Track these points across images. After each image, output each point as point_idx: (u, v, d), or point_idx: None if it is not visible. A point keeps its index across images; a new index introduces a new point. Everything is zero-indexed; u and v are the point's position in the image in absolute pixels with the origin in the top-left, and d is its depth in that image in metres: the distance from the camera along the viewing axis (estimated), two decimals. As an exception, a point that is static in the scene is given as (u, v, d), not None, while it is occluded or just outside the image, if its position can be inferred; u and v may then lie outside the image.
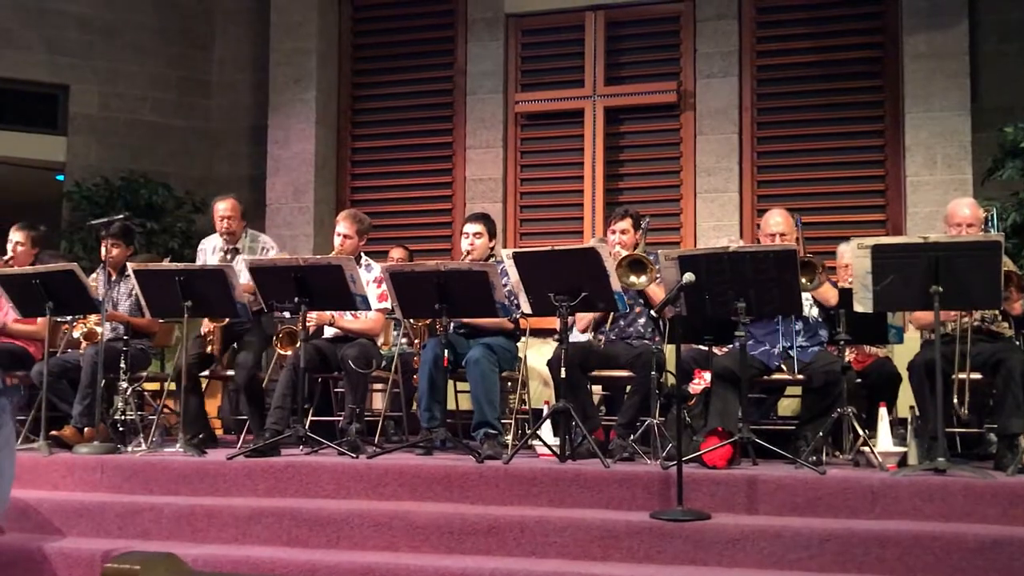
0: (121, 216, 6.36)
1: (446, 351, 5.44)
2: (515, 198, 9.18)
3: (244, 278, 5.89)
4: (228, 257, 6.46)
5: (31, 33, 9.74)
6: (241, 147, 10.10)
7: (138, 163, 9.78)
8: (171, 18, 10.26)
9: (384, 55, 9.69)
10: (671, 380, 5.45)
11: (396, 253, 7.66)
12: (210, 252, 6.62)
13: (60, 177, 9.98)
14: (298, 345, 5.64)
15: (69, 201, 9.54)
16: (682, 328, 5.33)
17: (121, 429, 5.81)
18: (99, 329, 6.20)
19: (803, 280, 5.05)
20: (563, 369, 5.20)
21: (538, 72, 9.27)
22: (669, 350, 5.47)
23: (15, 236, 6.69)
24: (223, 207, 6.49)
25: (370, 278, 6.07)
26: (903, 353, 5.78)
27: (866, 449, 5.03)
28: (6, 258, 6.64)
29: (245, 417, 6.32)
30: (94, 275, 6.45)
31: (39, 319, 6.21)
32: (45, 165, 10.01)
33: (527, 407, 6.33)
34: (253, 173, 9.82)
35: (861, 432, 5.07)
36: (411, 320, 6.48)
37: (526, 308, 5.38)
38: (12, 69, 9.69)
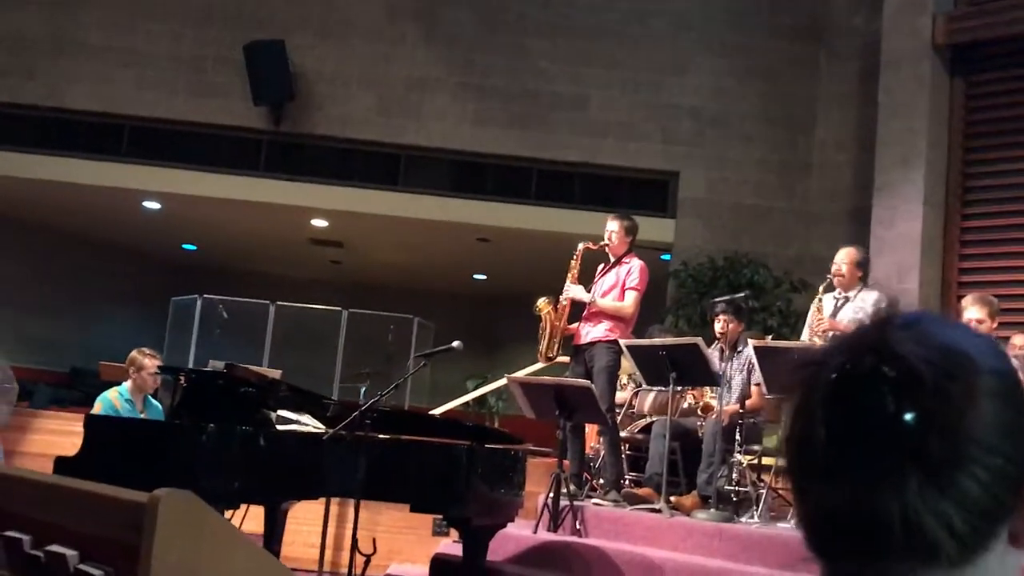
0: (742, 295, 6.65)
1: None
2: None
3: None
4: (839, 305, 6.45)
5: (650, 125, 10.64)
6: (839, 228, 10.08)
7: (739, 244, 10.18)
8: (776, 105, 10.62)
9: (998, 131, 9.12)
10: None
11: (1018, 340, 7.09)
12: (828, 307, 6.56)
13: (665, 256, 10.70)
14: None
15: (675, 279, 10.18)
16: None
17: (735, 499, 6.00)
18: (715, 403, 6.49)
19: None
20: None
21: None
22: None
23: (611, 226, 6.95)
24: (838, 256, 6.54)
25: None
26: None
27: None
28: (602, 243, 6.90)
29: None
30: (710, 348, 6.78)
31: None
32: (654, 246, 10.79)
33: None
34: (852, 254, 9.74)
35: None
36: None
37: None
38: (631, 158, 10.66)
